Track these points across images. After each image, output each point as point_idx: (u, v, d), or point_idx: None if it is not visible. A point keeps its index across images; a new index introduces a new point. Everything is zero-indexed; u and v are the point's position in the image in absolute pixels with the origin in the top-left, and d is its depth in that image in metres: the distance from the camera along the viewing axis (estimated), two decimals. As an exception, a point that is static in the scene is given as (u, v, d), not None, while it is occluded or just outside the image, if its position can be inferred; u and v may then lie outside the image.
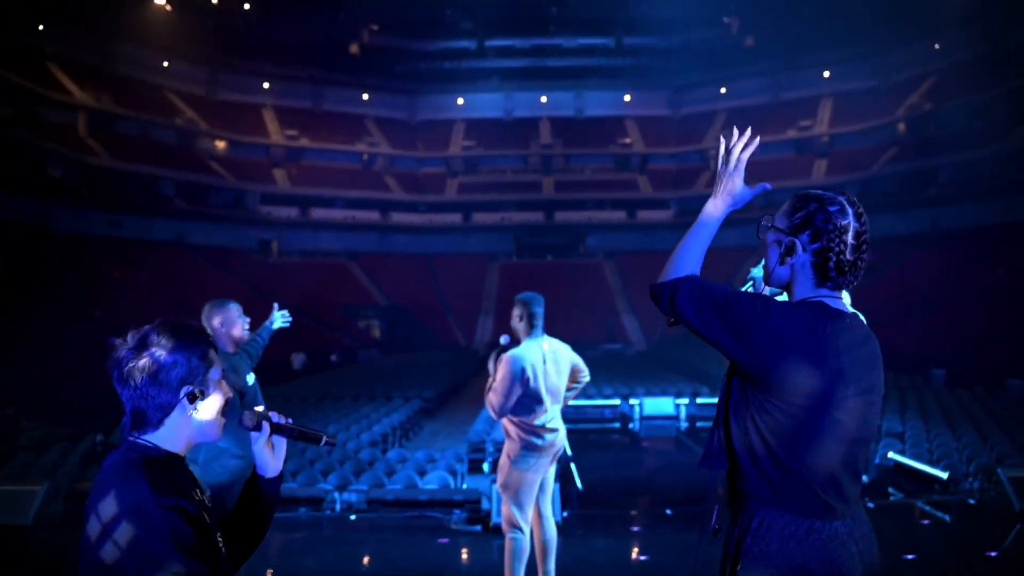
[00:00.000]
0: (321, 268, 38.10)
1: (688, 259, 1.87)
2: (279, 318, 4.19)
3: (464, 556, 5.68)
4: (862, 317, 1.90)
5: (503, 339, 4.19)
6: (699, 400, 14.77)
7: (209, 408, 1.65)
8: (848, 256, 1.78)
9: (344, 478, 8.05)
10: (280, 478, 1.85)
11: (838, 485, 1.75)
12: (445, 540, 5.92)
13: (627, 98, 46.50)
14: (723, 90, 44.29)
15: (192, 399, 1.61)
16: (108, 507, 1.48)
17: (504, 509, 4.10)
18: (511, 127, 45.69)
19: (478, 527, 6.17)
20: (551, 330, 4.26)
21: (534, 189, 43.63)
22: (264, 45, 39.34)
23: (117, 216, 31.38)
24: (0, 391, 14.77)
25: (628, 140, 45.61)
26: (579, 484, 7.75)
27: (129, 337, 1.62)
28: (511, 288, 37.22)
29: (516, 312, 4.17)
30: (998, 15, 31.88)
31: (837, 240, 1.77)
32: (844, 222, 1.78)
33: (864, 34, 36.77)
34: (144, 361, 1.58)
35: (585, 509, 6.93)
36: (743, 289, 2.58)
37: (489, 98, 46.35)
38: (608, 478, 8.98)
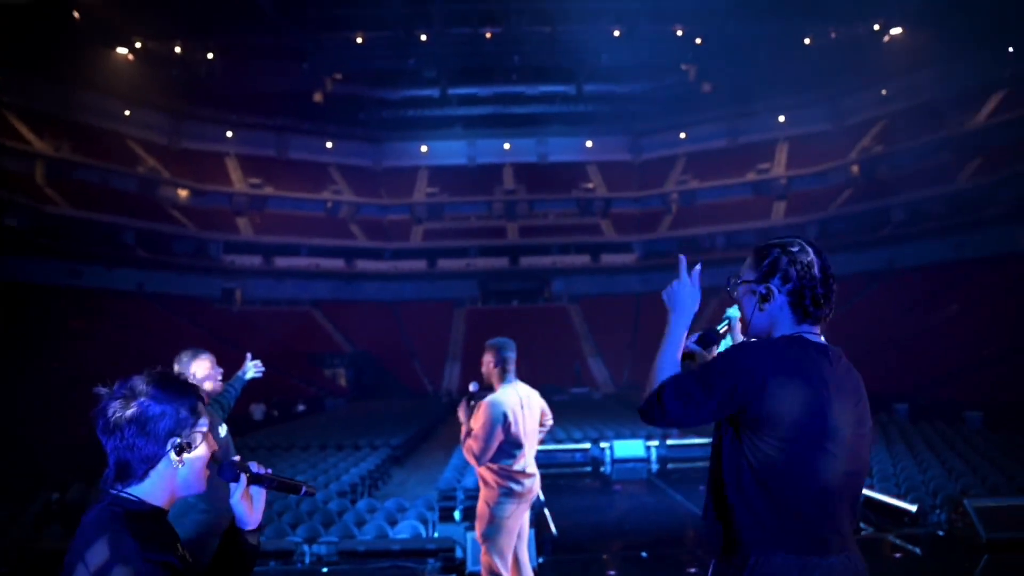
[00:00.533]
0: (285, 316, 37.69)
1: (660, 375, 1.94)
2: (251, 368, 4.11)
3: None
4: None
5: (472, 386, 4.15)
6: (669, 442, 14.78)
7: (195, 461, 1.62)
8: (820, 290, 1.86)
9: (313, 530, 7.87)
10: (260, 530, 1.81)
11: (833, 518, 1.77)
12: (419, 590, 5.81)
13: (589, 144, 47.31)
14: (682, 135, 45.35)
15: (179, 451, 1.58)
16: (93, 562, 1.44)
17: (484, 559, 4.05)
18: (475, 173, 46.11)
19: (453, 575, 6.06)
20: (520, 375, 4.26)
21: (498, 235, 43.91)
22: (227, 94, 39.36)
23: (77, 265, 30.81)
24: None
25: (591, 185, 46.28)
26: (553, 529, 7.68)
27: (116, 386, 1.59)
28: (477, 334, 37.24)
29: (489, 358, 4.16)
30: (942, 63, 33.40)
31: (807, 277, 1.85)
32: (808, 259, 1.87)
33: (817, 80, 38.11)
34: (132, 411, 1.54)
35: (560, 555, 6.84)
36: (719, 328, 2.64)
37: (453, 145, 46.84)
38: (581, 522, 8.90)
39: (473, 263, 42.94)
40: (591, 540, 7.88)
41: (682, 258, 2.06)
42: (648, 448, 14.38)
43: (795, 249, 1.88)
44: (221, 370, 3.69)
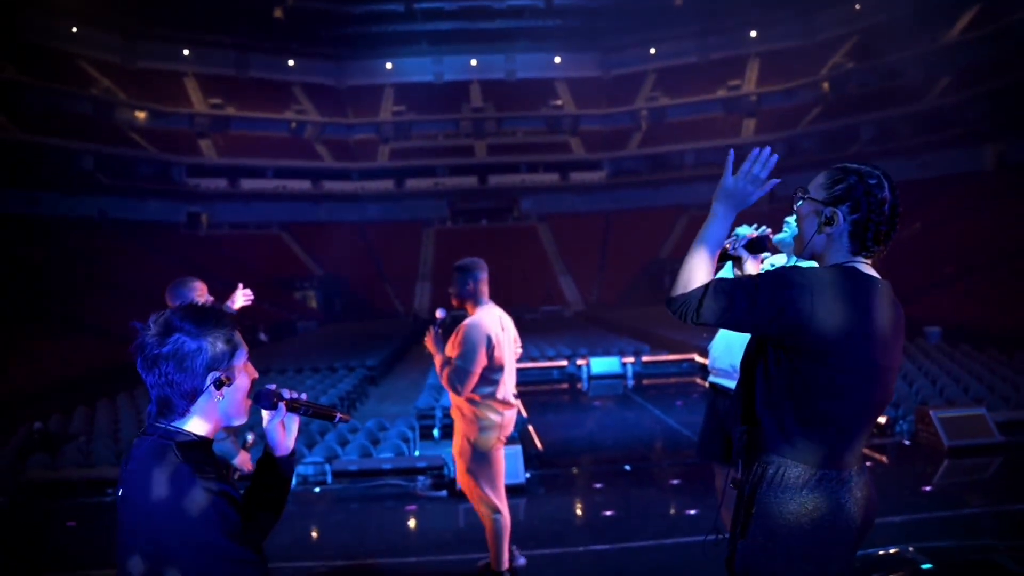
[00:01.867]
0: (253, 240, 37.23)
1: (698, 269, 1.89)
2: (241, 298, 3.91)
3: (434, 520, 5.77)
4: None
5: (440, 312, 3.91)
6: (644, 359, 15.14)
7: (235, 392, 1.63)
8: (884, 227, 1.86)
9: (298, 451, 8.01)
10: (293, 455, 1.84)
11: (853, 440, 1.87)
12: (412, 507, 6.00)
13: (557, 60, 46.43)
14: (652, 50, 44.65)
15: (219, 385, 1.58)
16: (153, 497, 1.47)
17: (475, 492, 3.87)
18: (442, 91, 45.15)
19: (443, 492, 6.25)
20: (490, 294, 4.01)
21: (467, 153, 43.39)
22: (182, 9, 37.60)
23: (32, 193, 29.87)
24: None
25: (559, 102, 45.65)
26: (539, 444, 7.92)
27: (151, 322, 1.57)
28: (447, 254, 37.17)
29: (463, 279, 3.88)
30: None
31: (877, 212, 1.85)
32: (883, 195, 1.85)
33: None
34: (169, 348, 1.54)
35: (546, 469, 7.08)
36: (727, 242, 2.68)
37: (418, 62, 45.68)
38: (564, 438, 9.18)
39: (441, 182, 42.54)
40: (575, 454, 8.16)
41: (730, 152, 2.00)
42: (624, 365, 14.72)
43: (872, 182, 1.86)
44: (211, 298, 3.65)
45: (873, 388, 1.86)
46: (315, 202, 40.83)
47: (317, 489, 6.72)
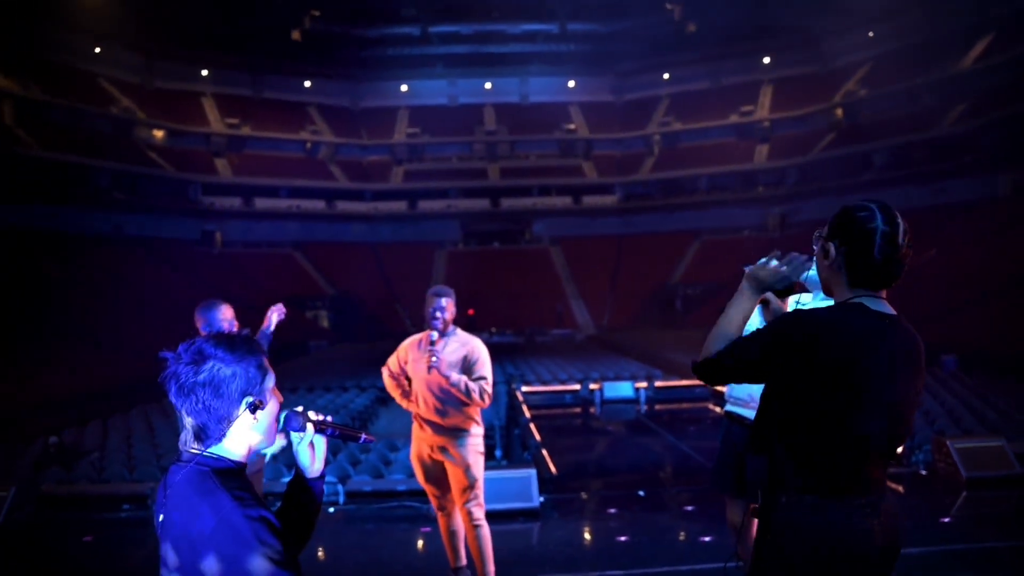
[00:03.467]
0: (266, 258, 37.44)
1: (719, 336, 2.03)
2: (275, 316, 4.11)
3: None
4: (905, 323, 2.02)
5: (434, 336, 4.16)
6: (657, 384, 15.08)
7: (267, 416, 1.67)
8: (876, 256, 1.90)
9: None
10: (322, 477, 1.87)
11: (869, 470, 1.91)
12: (427, 529, 5.98)
13: (571, 84, 46.74)
14: (666, 76, 44.89)
15: (253, 409, 1.62)
16: (194, 524, 1.50)
17: (478, 500, 4.14)
18: (456, 114, 45.50)
19: (458, 515, 6.22)
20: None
21: (480, 176, 43.60)
22: (202, 31, 38.21)
23: (51, 208, 30.22)
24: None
25: (573, 126, 45.88)
26: (552, 468, 7.89)
27: (182, 351, 1.61)
28: (458, 275, 37.24)
29: (451, 304, 4.24)
30: (930, 4, 33.11)
31: (866, 242, 1.90)
32: (871, 225, 1.90)
33: (803, 21, 37.68)
34: (204, 375, 1.58)
35: (560, 493, 7.06)
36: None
37: (433, 85, 46.08)
38: (577, 462, 9.15)
39: (454, 204, 42.73)
40: (589, 479, 8.13)
41: (776, 253, 2.15)
42: (637, 389, 14.68)
43: (862, 214, 1.91)
44: (236, 322, 3.69)
45: (881, 422, 1.89)
46: (328, 222, 41.08)
47: (331, 510, 6.71)
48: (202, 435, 1.61)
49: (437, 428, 4.16)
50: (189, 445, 1.63)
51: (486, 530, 4.15)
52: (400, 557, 5.34)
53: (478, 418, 4.20)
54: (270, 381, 1.69)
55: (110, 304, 23.86)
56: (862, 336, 1.87)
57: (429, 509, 6.45)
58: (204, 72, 41.45)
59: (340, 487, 6.98)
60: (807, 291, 2.99)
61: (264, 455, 3.59)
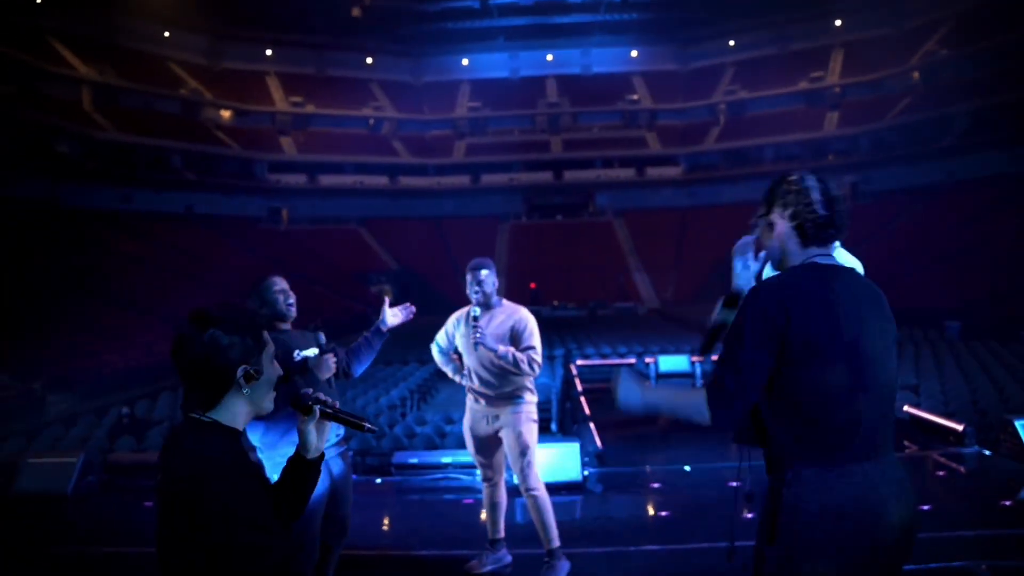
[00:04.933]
0: (332, 234, 38.20)
1: (696, 401, 1.99)
2: (390, 315, 3.91)
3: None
4: (860, 268, 2.00)
5: (475, 311, 4.18)
6: (713, 357, 14.86)
7: (262, 386, 1.74)
8: (821, 211, 1.94)
9: (365, 442, 8.21)
10: (322, 458, 1.92)
11: (864, 430, 1.85)
12: (471, 500, 6.06)
13: (634, 54, 45.92)
14: (731, 43, 43.67)
15: (248, 379, 1.69)
16: (188, 476, 1.57)
17: (533, 467, 4.16)
18: (517, 87, 45.28)
19: (501, 487, 6.28)
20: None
21: (542, 149, 43.38)
22: (265, 11, 38.90)
23: (126, 190, 31.47)
24: (24, 366, 15.02)
25: (635, 96, 45.13)
26: (598, 442, 7.89)
27: (186, 319, 1.70)
28: (522, 249, 37.33)
29: (491, 275, 4.27)
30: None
31: (804, 200, 1.94)
32: (805, 184, 1.96)
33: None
34: (203, 344, 1.66)
35: (605, 467, 7.05)
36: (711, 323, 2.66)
37: (494, 58, 45.92)
38: (625, 436, 9.13)
39: (517, 178, 42.68)
40: (634, 453, 8.10)
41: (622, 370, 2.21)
42: (693, 363, 14.50)
43: (792, 177, 1.99)
44: (293, 296, 3.61)
45: (864, 374, 1.84)
46: (392, 197, 41.60)
47: (379, 480, 6.86)
48: (198, 401, 1.69)
49: (490, 400, 4.22)
50: (188, 410, 1.71)
51: (543, 498, 4.16)
52: (441, 527, 5.43)
53: (531, 386, 4.23)
54: (268, 353, 1.75)
55: (182, 281, 24.78)
56: (823, 290, 1.86)
57: (473, 481, 6.55)
58: (268, 52, 42.28)
59: (391, 459, 7.11)
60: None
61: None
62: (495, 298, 4.26)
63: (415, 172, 42.37)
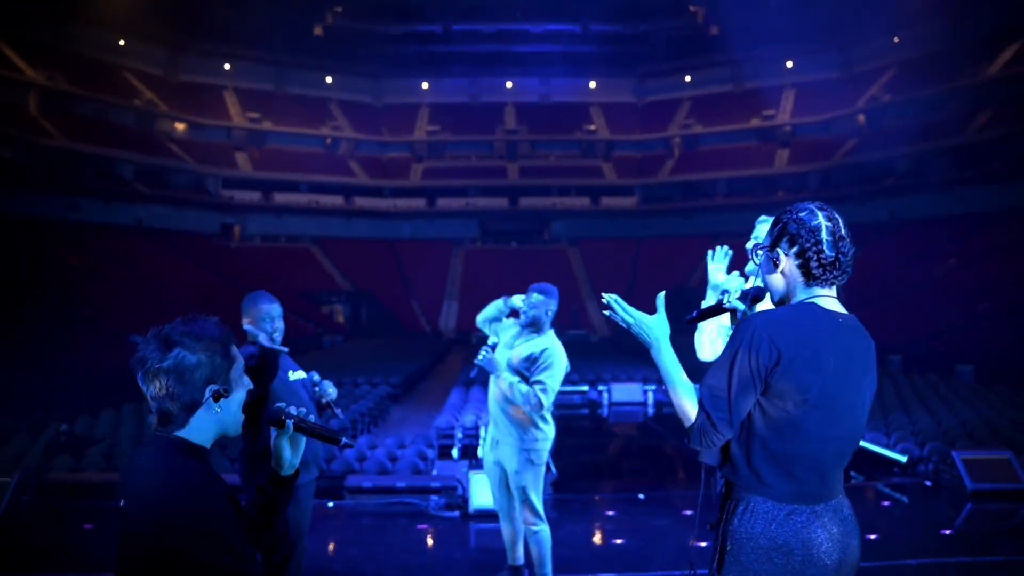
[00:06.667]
0: (284, 253, 37.71)
1: (685, 401, 1.96)
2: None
3: (444, 541, 5.76)
4: (855, 320, 2.01)
5: (493, 339, 4.16)
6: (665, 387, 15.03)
7: (232, 404, 1.69)
8: (828, 252, 1.91)
9: (318, 467, 8.06)
10: (297, 474, 1.88)
11: (823, 475, 1.90)
12: (424, 526, 6.00)
13: (592, 85, 46.63)
14: (688, 78, 44.67)
15: (217, 397, 1.64)
16: (156, 499, 1.52)
17: (528, 510, 4.08)
18: (476, 112, 45.53)
19: (456, 513, 6.24)
20: (518, 315, 4.31)
21: (499, 175, 43.61)
22: (225, 25, 38.51)
23: (74, 199, 30.61)
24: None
25: (593, 127, 45.78)
26: (553, 469, 7.89)
27: (150, 336, 1.63)
28: (476, 274, 37.32)
29: (542, 301, 4.18)
30: (956, 11, 32.67)
31: (812, 240, 1.91)
32: (815, 223, 1.92)
33: (827, 25, 37.30)
34: (169, 362, 1.59)
35: (560, 494, 7.05)
36: (717, 300, 2.71)
37: (454, 83, 46.13)
38: (580, 463, 9.14)
39: (473, 203, 42.78)
40: (590, 480, 8.11)
41: (661, 295, 2.10)
42: (645, 392, 14.64)
43: (803, 214, 1.93)
44: (282, 324, 3.59)
45: (836, 424, 1.88)
46: (347, 217, 41.28)
47: (331, 504, 6.74)
48: (166, 419, 1.63)
49: (497, 425, 4.16)
50: (154, 429, 1.66)
51: (541, 535, 4.11)
52: (395, 553, 5.36)
53: (540, 423, 4.03)
54: (238, 369, 1.70)
55: (129, 295, 24.14)
56: (816, 337, 1.86)
57: (428, 506, 6.49)
58: (227, 66, 41.78)
59: (344, 483, 7.00)
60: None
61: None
62: (545, 326, 4.17)
63: (371, 193, 42.16)
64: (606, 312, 2.11)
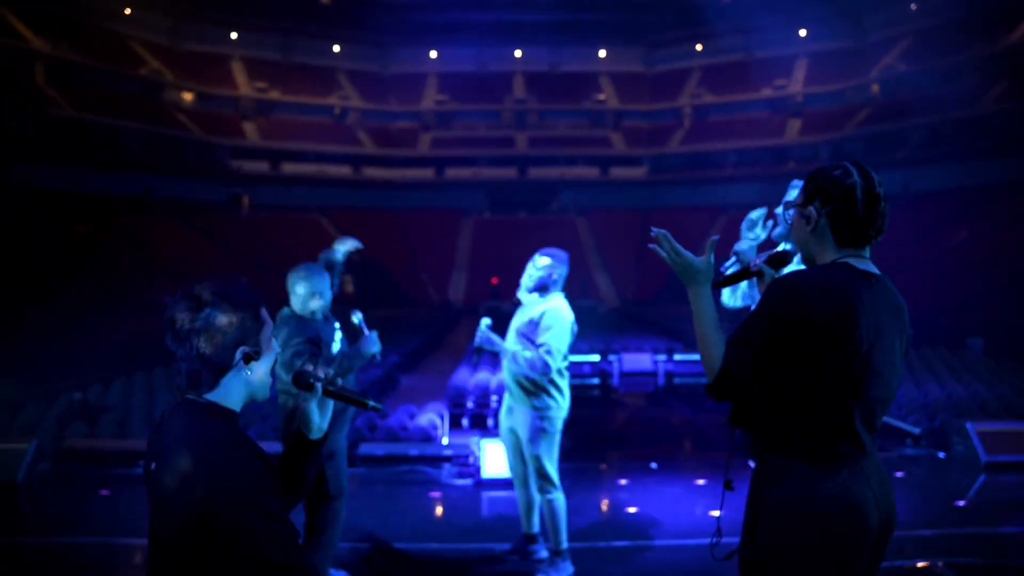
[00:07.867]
0: (292, 223, 37.64)
1: (713, 350, 1.93)
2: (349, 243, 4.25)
3: (456, 509, 5.80)
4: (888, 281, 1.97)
5: (485, 326, 4.13)
6: (676, 357, 15.02)
7: (262, 367, 1.67)
8: (860, 212, 1.87)
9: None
10: (325, 438, 1.87)
11: (856, 436, 1.86)
12: (437, 494, 6.04)
13: (602, 53, 46.09)
14: (699, 47, 44.09)
15: (247, 360, 1.62)
16: (187, 455, 1.50)
17: (543, 477, 4.08)
18: (485, 81, 45.12)
19: (469, 481, 6.28)
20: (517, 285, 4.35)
21: (507, 144, 43.32)
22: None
23: (80, 170, 30.54)
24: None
25: (602, 96, 45.33)
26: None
27: (180, 296, 1.61)
28: (484, 244, 37.26)
29: (545, 263, 4.25)
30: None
31: (846, 200, 1.87)
32: (849, 182, 1.87)
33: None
34: (200, 323, 1.57)
35: (572, 463, 7.08)
36: (728, 264, 2.71)
37: (463, 52, 45.64)
38: (592, 433, 9.16)
39: (481, 172, 42.56)
40: (602, 450, 8.14)
41: (714, 239, 2.04)
42: (655, 362, 14.64)
43: (837, 173, 1.89)
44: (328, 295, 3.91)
45: (870, 384, 1.84)
46: (355, 188, 41.15)
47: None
48: (196, 382, 1.61)
49: (510, 391, 4.16)
50: (184, 391, 1.64)
51: (556, 502, 4.10)
52: (408, 521, 5.39)
53: (551, 390, 4.03)
54: (267, 332, 1.68)
55: (139, 265, 24.20)
56: (851, 297, 1.82)
57: (440, 475, 6.52)
58: (233, 35, 41.41)
59: (355, 452, 7.02)
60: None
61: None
62: (550, 290, 4.16)
63: (379, 163, 41.97)
64: (652, 246, 2.08)
